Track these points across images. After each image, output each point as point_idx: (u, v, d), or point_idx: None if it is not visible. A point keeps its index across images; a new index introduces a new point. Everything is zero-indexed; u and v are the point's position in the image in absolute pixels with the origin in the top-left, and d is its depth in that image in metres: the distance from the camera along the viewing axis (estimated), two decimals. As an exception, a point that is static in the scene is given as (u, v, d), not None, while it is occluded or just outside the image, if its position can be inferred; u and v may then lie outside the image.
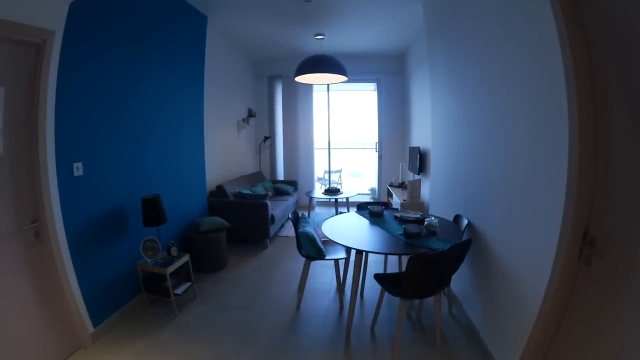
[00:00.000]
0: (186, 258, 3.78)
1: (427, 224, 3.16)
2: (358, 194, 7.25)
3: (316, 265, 3.62)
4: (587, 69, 1.68)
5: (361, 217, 3.75)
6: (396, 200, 5.94)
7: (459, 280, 3.47)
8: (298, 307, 3.64)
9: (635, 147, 1.49)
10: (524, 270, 2.28)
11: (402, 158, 7.57)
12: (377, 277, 3.06)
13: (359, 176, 10.14)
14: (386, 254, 3.64)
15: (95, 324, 3.13)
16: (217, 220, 4.77)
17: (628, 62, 1.49)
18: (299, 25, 5.76)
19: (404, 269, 4.04)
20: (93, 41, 3.10)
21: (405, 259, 4.11)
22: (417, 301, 3.46)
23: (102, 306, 3.25)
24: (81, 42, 2.96)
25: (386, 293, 3.03)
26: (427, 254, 2.54)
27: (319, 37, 6.25)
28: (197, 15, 4.98)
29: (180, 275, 3.84)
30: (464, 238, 3.09)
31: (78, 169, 3.01)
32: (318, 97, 8.42)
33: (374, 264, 4.49)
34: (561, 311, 1.91)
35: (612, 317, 1.60)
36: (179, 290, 3.62)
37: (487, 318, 2.88)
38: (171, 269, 3.49)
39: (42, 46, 2.59)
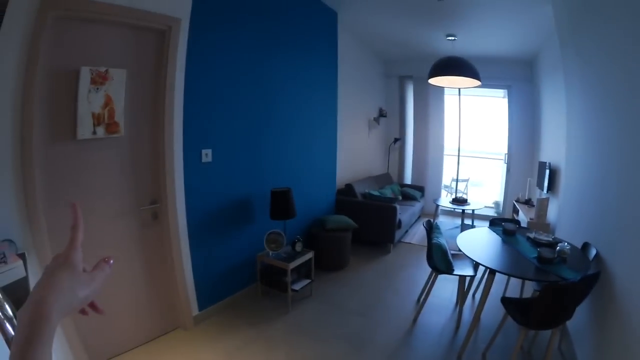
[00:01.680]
0: (310, 255, 3.82)
1: (559, 250, 2.80)
2: (485, 207, 6.79)
3: (437, 277, 3.45)
4: None
5: (493, 234, 3.50)
6: (522, 218, 5.36)
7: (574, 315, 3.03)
8: (415, 320, 3.48)
9: None
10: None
11: (530, 173, 6.76)
12: (505, 301, 2.78)
13: (479, 186, 9.33)
14: (520, 278, 3.29)
15: (201, 308, 3.24)
16: (344, 219, 4.77)
17: None
18: (430, 25, 5.49)
19: (525, 293, 3.73)
20: (221, 30, 3.15)
21: (528, 283, 3.72)
22: (532, 331, 3.10)
23: (212, 291, 3.34)
24: (209, 30, 3.01)
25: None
26: (561, 284, 2.28)
27: (450, 38, 5.86)
28: (327, 11, 5.01)
29: (301, 272, 3.87)
30: (591, 269, 2.68)
31: (207, 155, 3.10)
32: (449, 101, 7.93)
33: (493, 284, 4.11)
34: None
35: None
36: (297, 287, 3.67)
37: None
38: (294, 264, 3.53)
39: (167, 33, 2.69)
